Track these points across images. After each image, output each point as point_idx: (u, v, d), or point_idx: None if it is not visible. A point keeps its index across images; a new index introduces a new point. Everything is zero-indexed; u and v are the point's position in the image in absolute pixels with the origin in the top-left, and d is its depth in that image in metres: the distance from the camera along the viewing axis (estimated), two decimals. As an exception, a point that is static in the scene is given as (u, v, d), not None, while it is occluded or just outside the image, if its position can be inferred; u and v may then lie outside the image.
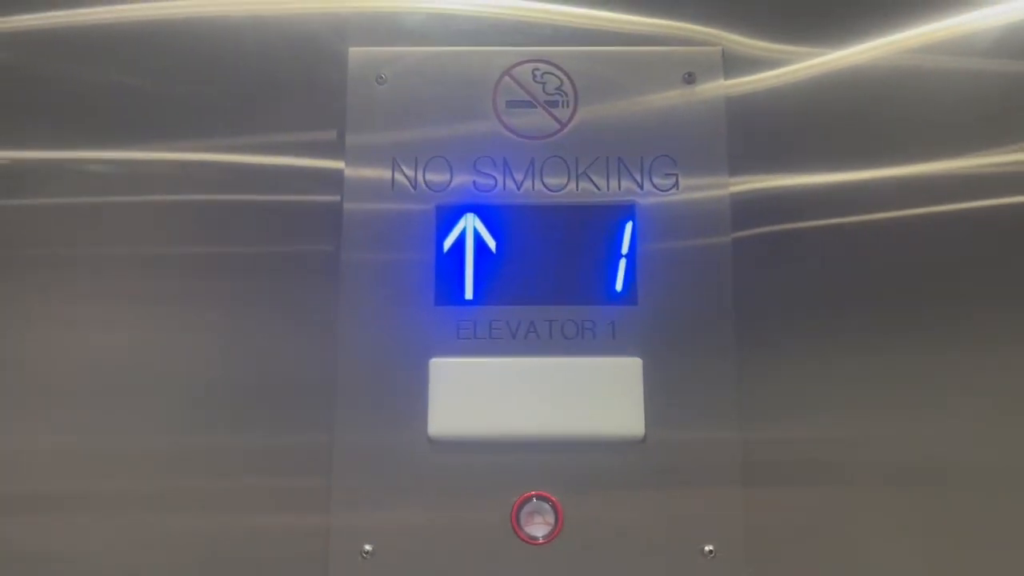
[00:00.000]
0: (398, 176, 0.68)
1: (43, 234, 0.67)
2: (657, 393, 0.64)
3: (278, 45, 0.70)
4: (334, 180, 0.68)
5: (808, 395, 0.65)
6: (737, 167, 0.68)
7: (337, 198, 0.68)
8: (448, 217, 0.67)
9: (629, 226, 0.67)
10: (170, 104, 0.69)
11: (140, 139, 0.68)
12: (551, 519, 0.63)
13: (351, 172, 0.68)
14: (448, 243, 0.67)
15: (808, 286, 0.67)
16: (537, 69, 0.70)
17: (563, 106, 0.69)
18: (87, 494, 0.64)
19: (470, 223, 0.67)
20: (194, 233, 0.67)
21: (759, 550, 0.63)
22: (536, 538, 0.63)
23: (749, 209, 0.68)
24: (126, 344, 0.66)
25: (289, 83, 0.69)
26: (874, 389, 0.65)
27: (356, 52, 0.70)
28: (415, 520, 0.63)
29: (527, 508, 0.63)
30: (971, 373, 0.65)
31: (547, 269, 0.67)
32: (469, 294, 0.66)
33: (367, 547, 0.63)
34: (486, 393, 0.64)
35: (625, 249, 0.67)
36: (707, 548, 0.63)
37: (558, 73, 0.70)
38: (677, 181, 0.68)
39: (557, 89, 0.69)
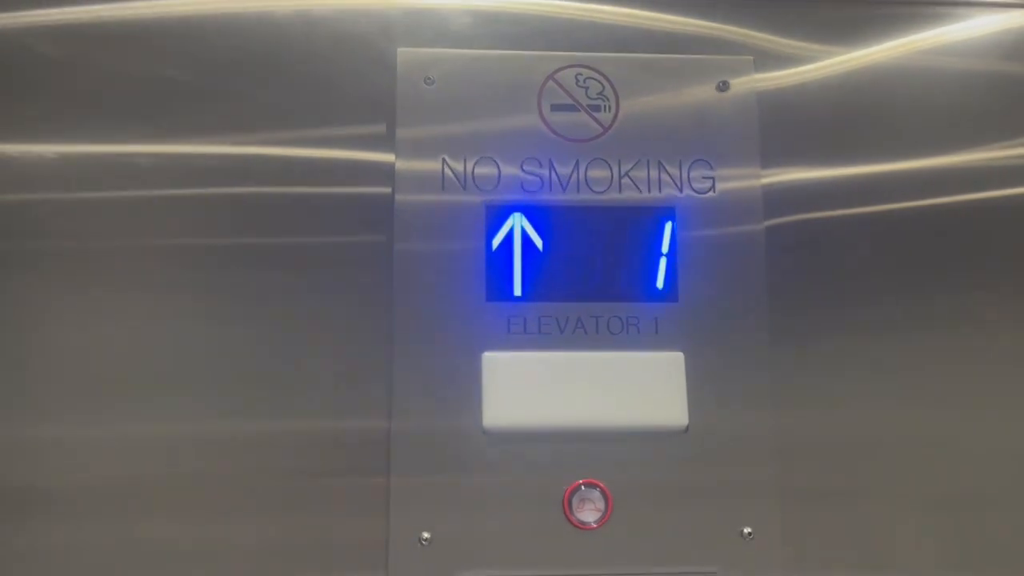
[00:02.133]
0: (447, 172, 0.70)
1: (99, 228, 0.67)
2: (698, 385, 0.68)
3: (326, 44, 0.71)
4: (385, 173, 0.70)
5: (839, 380, 0.70)
6: (768, 161, 0.72)
7: (388, 190, 0.69)
8: (497, 215, 0.70)
9: (669, 226, 0.71)
10: (224, 100, 0.70)
11: (190, 134, 0.69)
12: (601, 505, 0.66)
13: (402, 165, 0.70)
14: (497, 241, 0.69)
15: (836, 272, 0.71)
16: (580, 74, 0.72)
17: (605, 110, 0.72)
18: (148, 478, 0.65)
19: (518, 222, 0.70)
20: (247, 225, 0.68)
21: (795, 532, 0.67)
22: (587, 523, 0.66)
23: (780, 200, 0.72)
24: (183, 335, 0.66)
25: (339, 82, 0.71)
26: (902, 374, 0.70)
27: (404, 53, 0.72)
28: (471, 508, 0.66)
29: (578, 495, 0.66)
30: (1001, 359, 0.71)
31: (592, 267, 0.70)
32: (518, 291, 0.69)
33: (425, 535, 0.65)
34: (537, 386, 0.67)
35: (665, 248, 0.70)
36: (746, 530, 0.67)
37: (599, 78, 0.73)
38: (714, 184, 0.72)
39: (599, 94, 0.72)
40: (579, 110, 0.72)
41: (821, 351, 0.70)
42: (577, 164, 0.71)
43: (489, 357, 0.67)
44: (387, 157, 0.70)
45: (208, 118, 0.70)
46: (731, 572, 0.66)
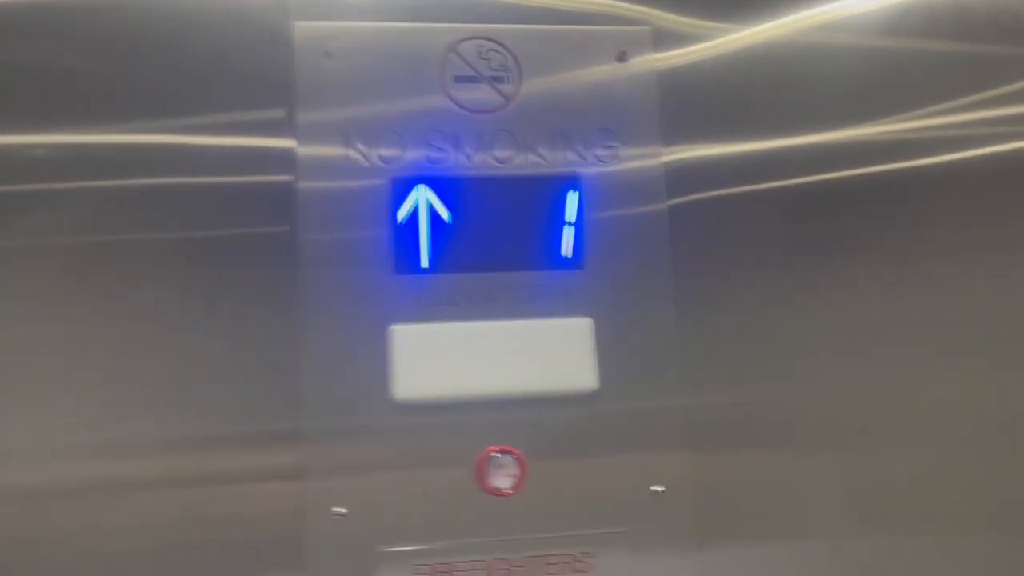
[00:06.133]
0: (351, 152, 0.69)
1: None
2: (607, 349, 0.69)
3: (219, 20, 0.69)
4: (286, 159, 0.68)
5: (744, 350, 0.72)
6: (669, 139, 0.74)
7: (290, 178, 0.68)
8: (402, 188, 0.69)
9: (574, 195, 0.71)
10: (105, 84, 0.67)
11: (79, 122, 0.66)
12: (515, 471, 0.67)
13: (303, 151, 0.69)
14: (403, 214, 0.69)
15: (738, 249, 0.73)
16: (482, 46, 0.73)
17: (508, 82, 0.72)
18: (49, 481, 0.63)
19: (423, 194, 0.70)
20: (143, 219, 0.66)
21: (702, 490, 0.69)
22: (502, 490, 0.67)
23: (682, 178, 0.73)
24: (77, 335, 0.64)
25: (233, 60, 0.69)
26: (804, 340, 0.73)
27: (302, 27, 0.70)
28: (385, 481, 0.66)
29: (492, 462, 0.67)
30: (902, 327, 0.74)
31: (500, 238, 0.70)
32: (426, 263, 0.69)
33: (340, 510, 0.65)
34: (447, 356, 0.67)
35: (571, 217, 0.71)
36: (657, 488, 0.68)
37: (501, 50, 0.73)
38: (616, 152, 0.73)
39: (502, 66, 0.73)
40: (482, 82, 0.72)
41: (726, 320, 0.72)
42: (481, 136, 0.71)
43: (398, 330, 0.67)
44: (287, 143, 0.69)
45: (94, 105, 0.66)
46: (641, 530, 0.68)
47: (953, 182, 0.76)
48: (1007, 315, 0.75)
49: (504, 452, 0.67)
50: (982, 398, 0.74)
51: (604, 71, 0.74)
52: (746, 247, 0.73)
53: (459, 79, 0.72)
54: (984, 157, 0.77)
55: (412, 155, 0.70)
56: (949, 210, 0.76)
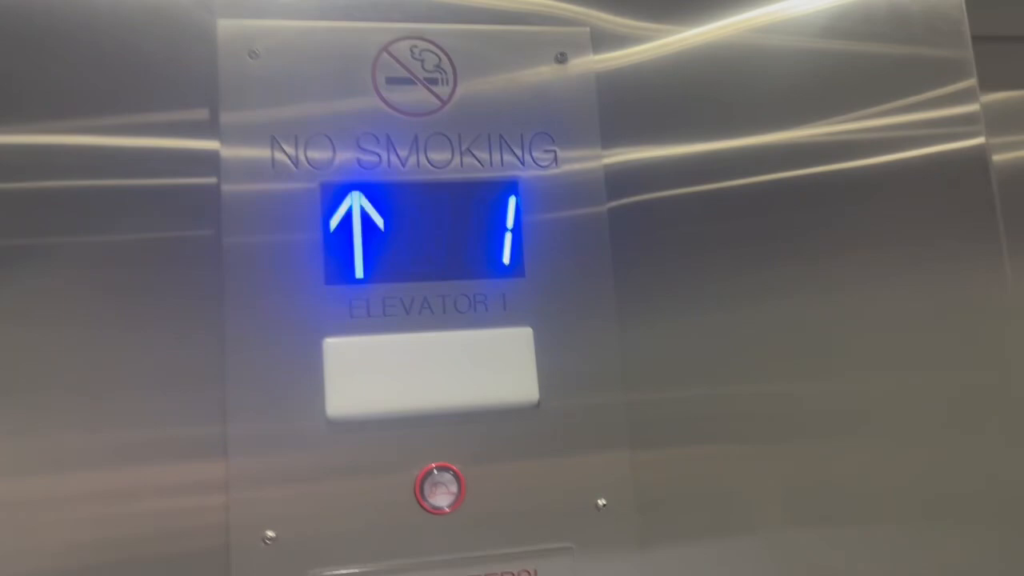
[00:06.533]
0: (278, 155, 0.66)
1: None
2: (548, 360, 0.67)
3: (138, 17, 0.66)
4: (209, 161, 0.65)
5: (685, 352, 0.71)
6: (609, 142, 0.72)
7: (214, 180, 0.65)
8: (333, 195, 0.67)
9: (513, 201, 0.69)
10: (25, 84, 0.63)
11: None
12: (454, 488, 0.65)
13: (228, 152, 0.65)
14: (335, 222, 0.66)
15: (678, 250, 0.72)
16: (415, 46, 0.70)
17: (443, 83, 0.70)
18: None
19: (356, 201, 0.67)
20: (58, 222, 0.62)
21: (647, 501, 0.68)
22: (441, 508, 0.64)
23: (622, 180, 0.72)
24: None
25: (155, 60, 0.65)
26: (746, 342, 0.72)
27: (226, 25, 0.67)
28: (318, 502, 0.63)
29: (430, 480, 0.64)
30: (845, 324, 0.74)
31: (436, 245, 0.68)
32: (360, 273, 0.66)
33: (270, 533, 0.61)
34: (383, 370, 0.65)
35: (510, 223, 0.69)
36: (600, 502, 0.67)
37: (436, 50, 0.70)
38: (556, 156, 0.71)
39: (436, 66, 0.70)
40: (416, 83, 0.70)
41: (667, 323, 0.71)
42: (416, 139, 0.69)
43: (331, 343, 0.64)
44: (211, 144, 0.65)
45: (14, 105, 0.63)
46: (587, 545, 0.66)
47: (892, 182, 0.77)
48: (948, 312, 0.76)
49: (442, 468, 0.65)
50: (923, 393, 0.74)
51: (542, 73, 0.72)
52: (687, 249, 0.72)
53: (391, 80, 0.69)
54: (923, 157, 0.77)
55: (343, 159, 0.67)
56: (888, 209, 0.76)
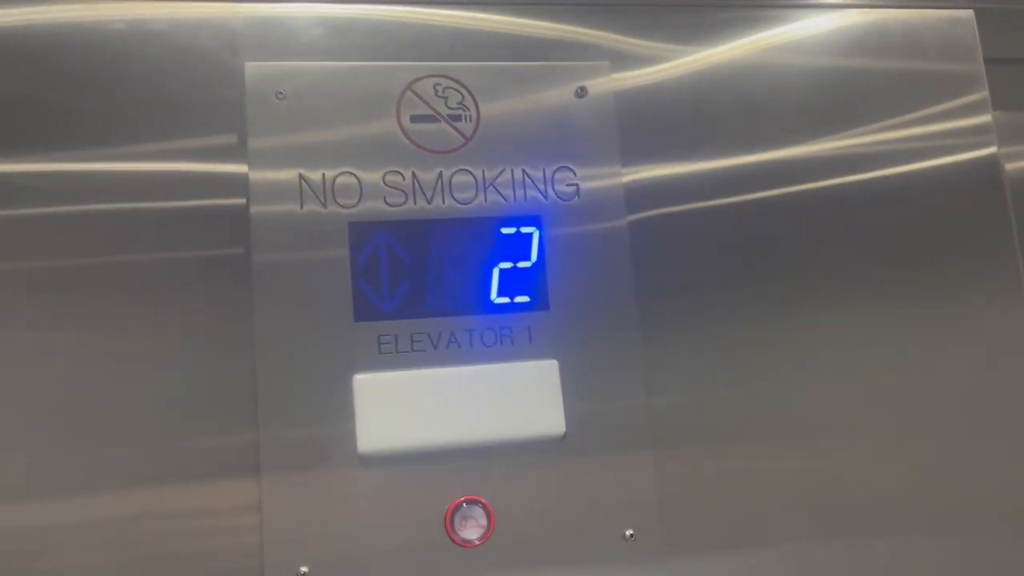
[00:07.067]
0: (305, 187, 0.67)
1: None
2: (574, 391, 0.68)
3: (167, 58, 0.67)
4: (239, 185, 0.67)
5: (712, 379, 0.71)
6: (628, 160, 0.73)
7: (243, 201, 0.66)
8: (360, 233, 0.68)
9: (536, 234, 0.70)
10: (56, 115, 0.65)
11: (33, 151, 0.64)
12: (484, 521, 0.65)
13: (256, 176, 0.67)
14: (362, 259, 0.67)
15: (697, 262, 0.73)
16: (439, 84, 0.71)
17: (466, 120, 0.71)
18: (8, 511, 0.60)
19: (383, 239, 0.68)
20: (98, 244, 0.64)
21: (674, 532, 0.68)
22: (471, 541, 0.65)
23: (641, 196, 0.73)
24: (27, 363, 0.62)
25: (186, 98, 0.67)
26: (772, 361, 0.73)
27: (252, 67, 0.68)
28: (351, 537, 0.63)
29: (460, 513, 0.65)
30: (862, 342, 0.74)
31: (462, 280, 0.69)
32: (388, 309, 0.67)
33: (303, 569, 0.62)
34: (412, 405, 0.66)
35: (534, 257, 0.70)
36: (628, 532, 0.67)
37: (458, 87, 0.71)
38: (578, 190, 0.72)
39: (459, 103, 0.71)
40: (439, 120, 0.71)
41: (689, 343, 0.72)
42: (441, 176, 0.70)
43: (360, 379, 0.65)
44: (239, 168, 0.67)
45: (50, 134, 0.65)
46: (613, 574, 0.66)
47: (907, 193, 0.78)
48: (958, 323, 0.76)
49: (472, 502, 0.65)
50: (936, 403, 0.75)
51: (563, 106, 0.73)
52: (705, 260, 0.73)
53: (416, 118, 0.70)
54: (937, 168, 0.79)
55: (369, 196, 0.68)
56: (905, 219, 0.77)
